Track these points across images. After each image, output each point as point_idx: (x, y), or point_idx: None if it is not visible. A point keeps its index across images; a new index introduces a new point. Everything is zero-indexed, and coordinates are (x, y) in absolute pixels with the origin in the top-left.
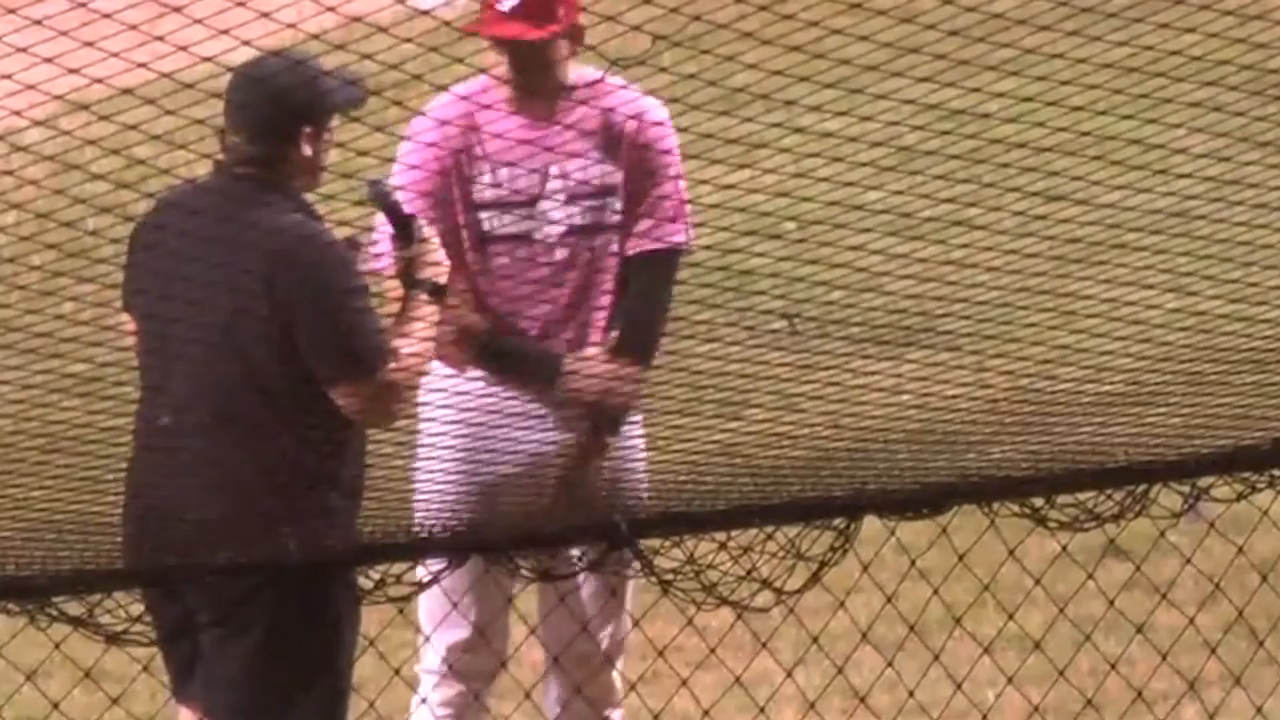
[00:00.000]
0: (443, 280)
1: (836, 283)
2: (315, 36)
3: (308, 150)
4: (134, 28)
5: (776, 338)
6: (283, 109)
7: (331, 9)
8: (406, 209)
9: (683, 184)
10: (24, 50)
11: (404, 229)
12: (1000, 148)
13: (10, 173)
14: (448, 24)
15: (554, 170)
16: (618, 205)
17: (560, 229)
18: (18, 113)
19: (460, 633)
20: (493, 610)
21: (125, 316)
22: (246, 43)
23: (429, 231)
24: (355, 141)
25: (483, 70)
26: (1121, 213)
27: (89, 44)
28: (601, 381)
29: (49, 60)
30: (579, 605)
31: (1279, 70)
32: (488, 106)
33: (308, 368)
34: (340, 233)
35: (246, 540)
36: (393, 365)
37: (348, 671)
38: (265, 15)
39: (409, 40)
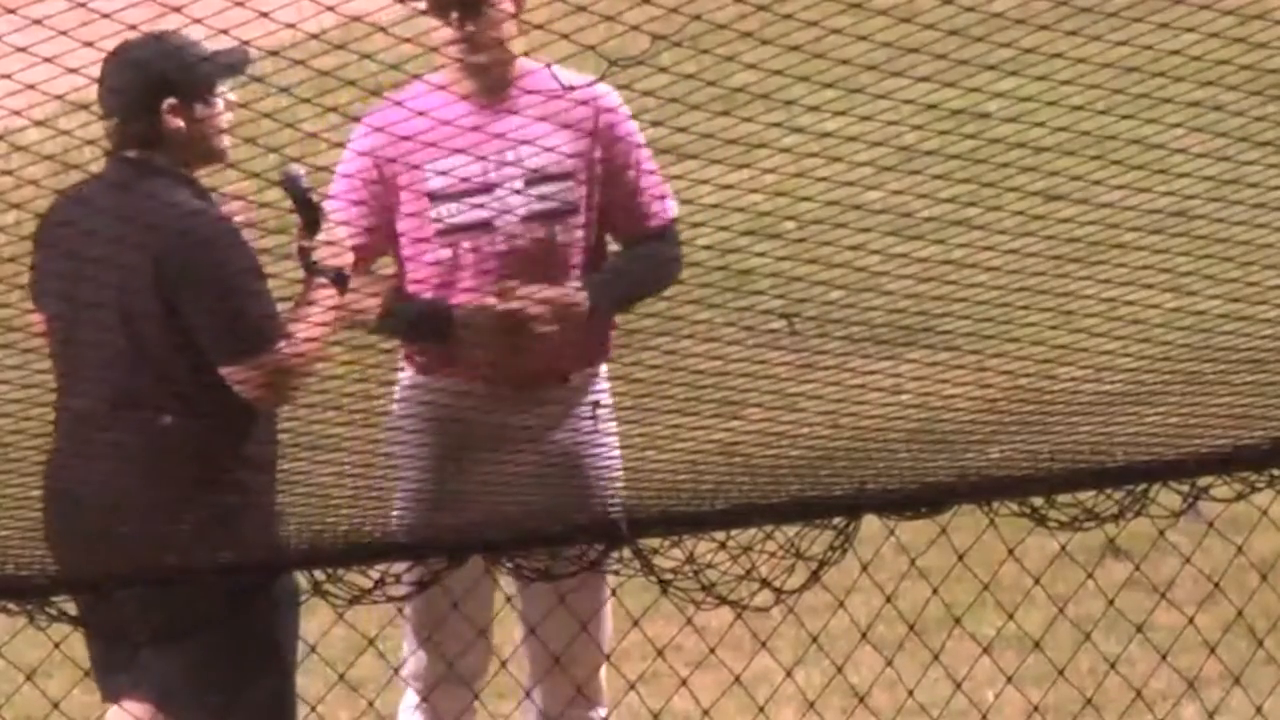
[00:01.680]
0: (346, 268)
1: (836, 282)
2: (315, 36)
3: (178, 123)
4: (134, 27)
5: (775, 337)
6: (141, 84)
7: (331, 8)
8: (315, 196)
9: (653, 162)
10: (24, 50)
11: (311, 217)
12: (1000, 147)
13: (10, 172)
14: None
15: (509, 155)
16: (576, 189)
17: (519, 214)
18: (17, 112)
19: (445, 638)
20: (478, 615)
21: (36, 315)
22: (246, 42)
23: (336, 220)
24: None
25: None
26: (1121, 212)
27: (89, 44)
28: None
29: (49, 60)
30: (560, 611)
31: (1278, 70)
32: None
33: (200, 348)
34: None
35: (174, 533)
36: (284, 346)
37: (292, 650)
38: (264, 15)
39: (408, 40)
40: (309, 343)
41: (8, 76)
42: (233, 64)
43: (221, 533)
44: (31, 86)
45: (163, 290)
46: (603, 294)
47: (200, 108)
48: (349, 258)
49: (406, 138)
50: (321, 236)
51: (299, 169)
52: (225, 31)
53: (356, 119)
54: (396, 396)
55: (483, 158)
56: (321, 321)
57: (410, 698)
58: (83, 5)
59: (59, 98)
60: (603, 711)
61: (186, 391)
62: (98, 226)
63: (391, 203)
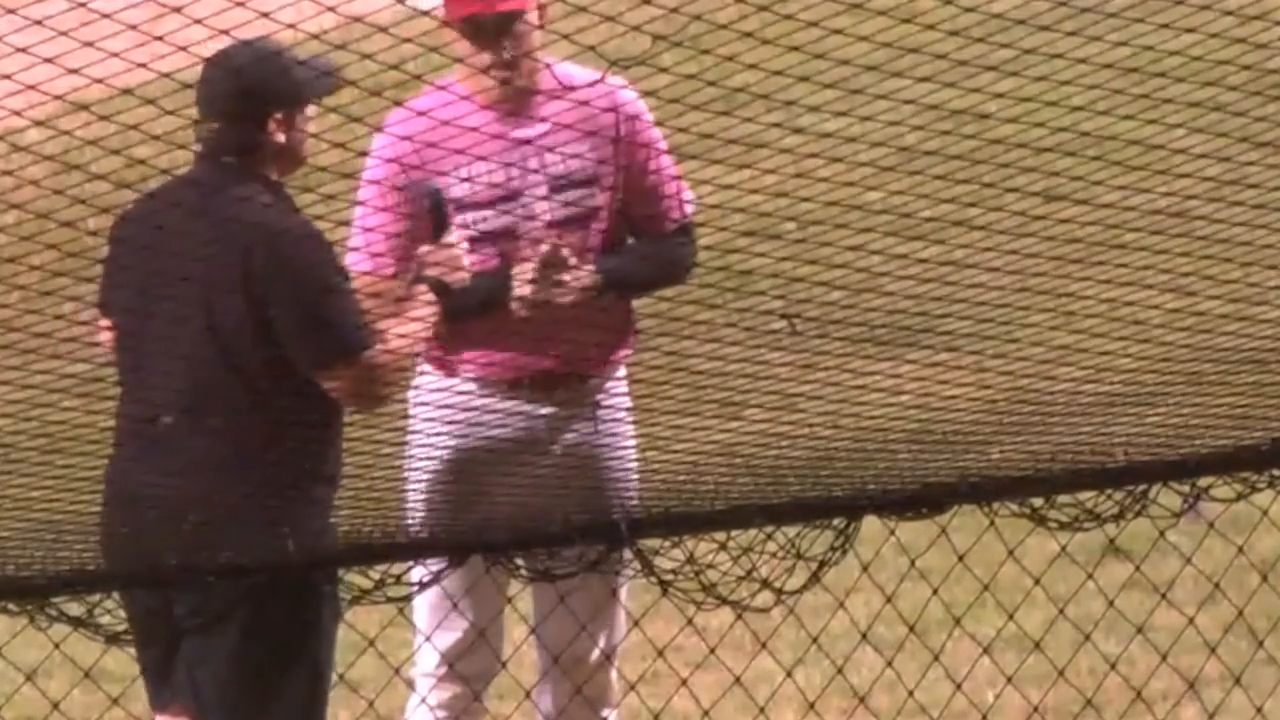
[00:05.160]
0: (454, 282)
1: (836, 283)
2: (315, 36)
3: (280, 137)
4: (134, 28)
5: (776, 338)
6: (253, 94)
7: (331, 9)
8: (450, 216)
9: (672, 162)
10: (24, 50)
11: (440, 231)
12: (1000, 148)
13: (10, 173)
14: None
15: (533, 163)
16: (599, 196)
17: (543, 222)
18: (18, 113)
19: (456, 634)
20: (489, 611)
21: (102, 319)
22: (247, 43)
23: (457, 236)
24: (355, 142)
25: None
26: (1121, 213)
27: (89, 44)
28: (553, 282)
29: (49, 60)
30: (576, 606)
31: (1279, 70)
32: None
33: (287, 358)
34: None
35: (239, 536)
36: (378, 348)
37: (329, 660)
38: (265, 15)
39: (409, 40)
40: (402, 344)
41: (8, 77)
42: (327, 87)
43: (290, 537)
44: (32, 87)
45: (252, 296)
46: (610, 270)
47: (299, 121)
48: (463, 274)
49: (432, 144)
50: (436, 247)
51: (438, 184)
52: (226, 32)
53: (362, 121)
54: (416, 399)
55: (508, 164)
56: (415, 322)
57: (418, 696)
58: (83, 5)
59: (59, 98)
60: (611, 714)
61: (265, 396)
62: (187, 229)
63: (421, 205)
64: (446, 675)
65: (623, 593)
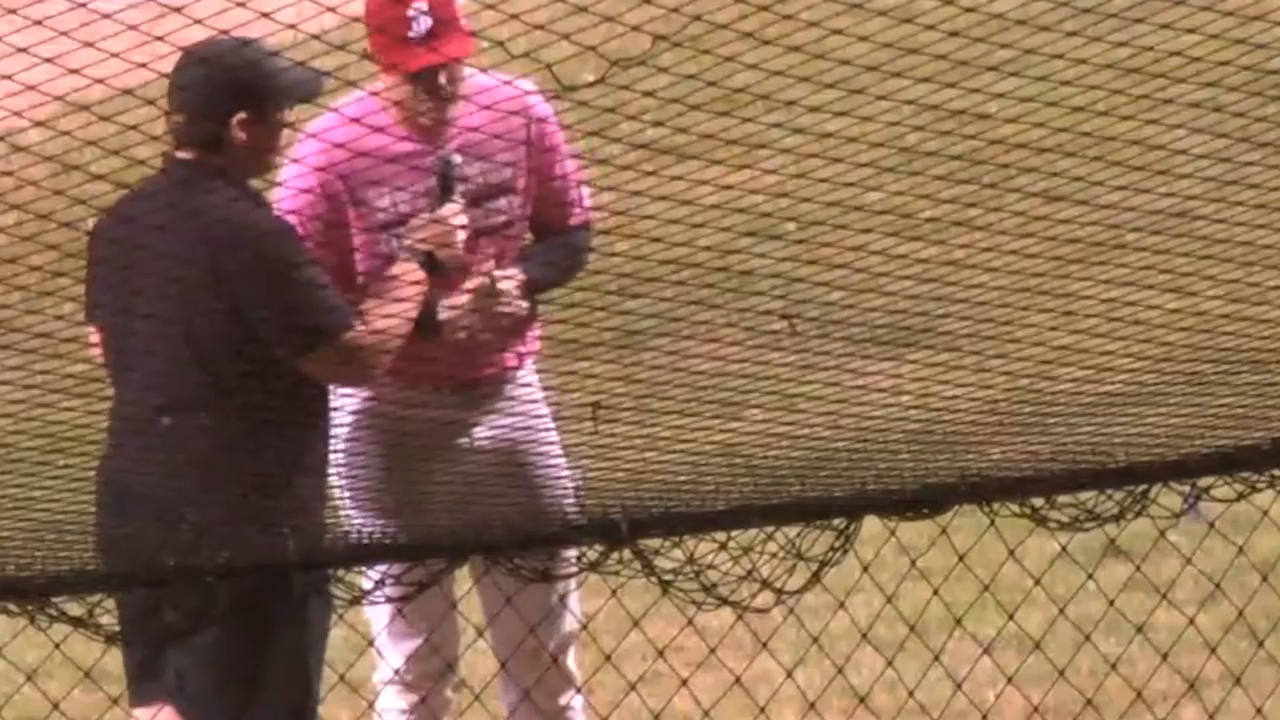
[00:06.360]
0: (441, 257)
1: (836, 283)
2: (315, 37)
3: (241, 135)
4: (134, 28)
5: (776, 338)
6: (217, 92)
7: (331, 9)
8: (457, 184)
9: (578, 169)
10: (24, 50)
11: (441, 202)
12: (1000, 148)
13: (10, 173)
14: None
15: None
16: (517, 202)
17: (468, 233)
18: (18, 113)
19: (415, 641)
20: (439, 614)
21: (90, 328)
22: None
23: (452, 212)
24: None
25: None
26: (1122, 213)
27: (89, 44)
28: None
29: (49, 60)
30: (527, 602)
31: (1279, 70)
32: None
33: (264, 350)
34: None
35: (229, 536)
36: (361, 327)
37: (320, 659)
38: (265, 15)
39: None
40: (390, 320)
41: (9, 77)
42: (308, 91)
43: (274, 534)
44: (32, 87)
45: (224, 291)
46: (531, 278)
47: (266, 125)
48: (455, 250)
49: (357, 155)
50: (427, 219)
51: (457, 157)
52: (226, 32)
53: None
54: (341, 408)
55: (432, 176)
56: (400, 298)
57: (384, 700)
58: (83, 5)
59: (60, 98)
60: (574, 697)
61: (242, 393)
62: (152, 226)
63: (342, 220)
64: (411, 682)
65: (572, 584)
